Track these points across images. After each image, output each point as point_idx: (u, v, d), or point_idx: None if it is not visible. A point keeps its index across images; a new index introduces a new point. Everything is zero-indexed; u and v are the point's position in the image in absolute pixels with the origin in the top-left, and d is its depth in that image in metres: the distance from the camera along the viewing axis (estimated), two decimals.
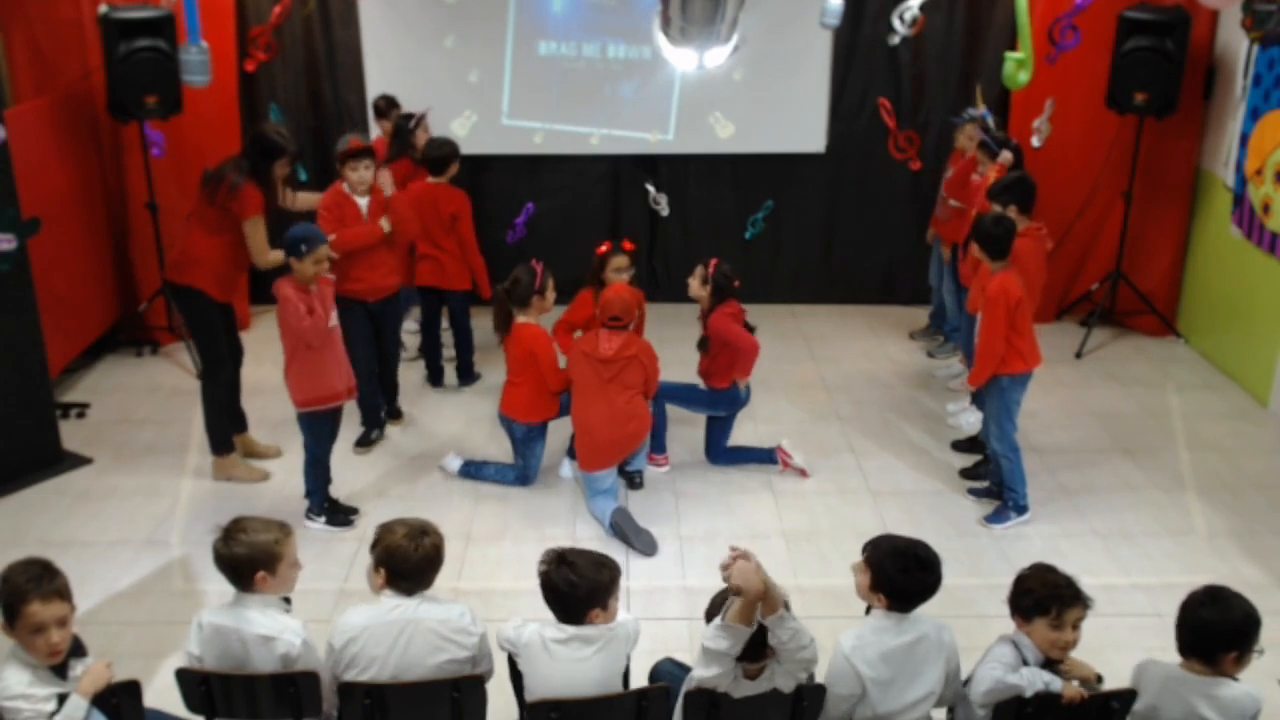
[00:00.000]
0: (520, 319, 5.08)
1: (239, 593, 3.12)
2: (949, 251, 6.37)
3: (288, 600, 3.22)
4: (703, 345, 5.22)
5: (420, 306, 6.30)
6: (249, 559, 3.07)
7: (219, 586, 3.16)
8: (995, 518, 4.96)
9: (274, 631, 3.05)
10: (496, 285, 5.17)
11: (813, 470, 5.35)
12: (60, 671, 2.91)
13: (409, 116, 6.26)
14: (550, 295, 5.10)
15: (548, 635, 3.09)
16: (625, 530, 4.79)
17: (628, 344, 4.89)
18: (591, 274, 5.34)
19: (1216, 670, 2.95)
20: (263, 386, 5.82)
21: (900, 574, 3.06)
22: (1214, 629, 2.94)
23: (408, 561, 3.09)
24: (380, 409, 5.69)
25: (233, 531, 3.11)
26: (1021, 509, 4.95)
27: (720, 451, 5.44)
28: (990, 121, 5.92)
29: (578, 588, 3.04)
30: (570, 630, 3.08)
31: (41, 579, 2.86)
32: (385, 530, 3.15)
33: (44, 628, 2.83)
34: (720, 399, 5.29)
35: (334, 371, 4.68)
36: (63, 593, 2.88)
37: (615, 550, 4.73)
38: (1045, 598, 3.05)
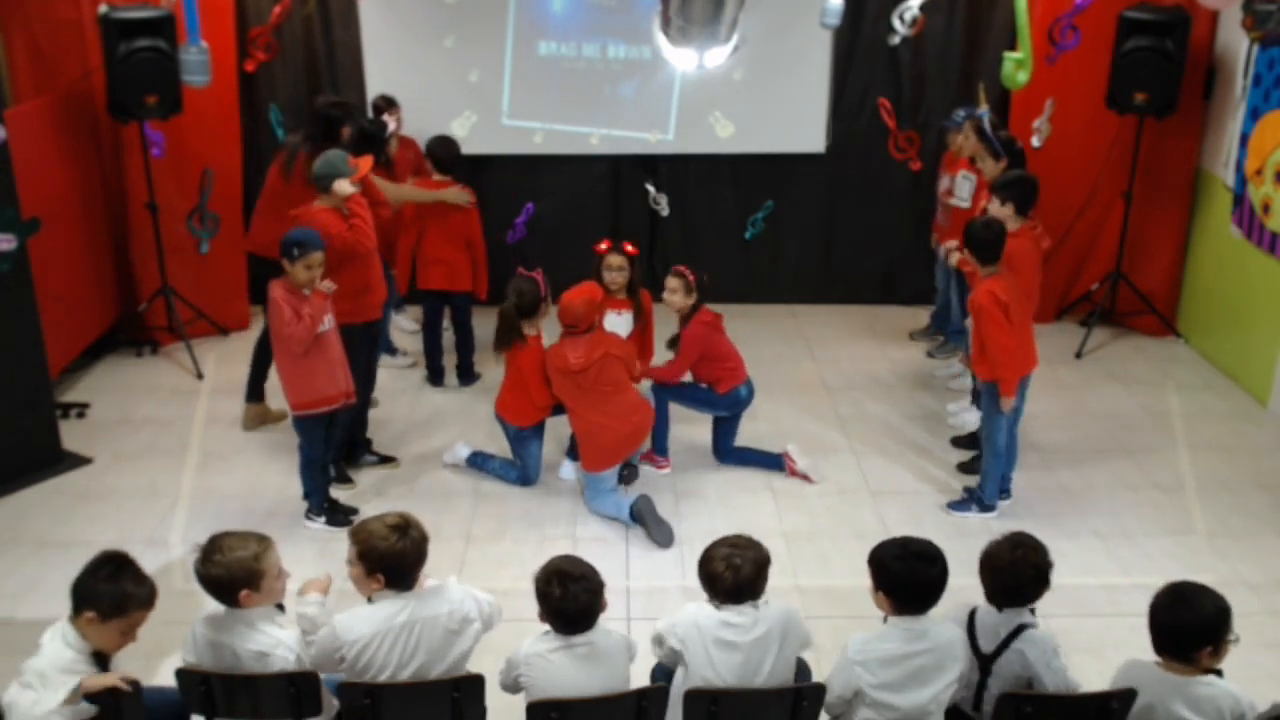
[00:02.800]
0: (528, 330, 5.07)
1: (229, 609, 3.11)
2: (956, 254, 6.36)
3: (281, 607, 3.21)
4: (674, 344, 5.24)
5: (422, 307, 6.28)
6: (229, 580, 3.04)
7: None
8: (957, 505, 5.01)
9: (267, 647, 3.05)
10: (501, 304, 5.10)
11: (818, 477, 5.33)
12: (103, 661, 3.00)
13: (380, 122, 6.14)
14: (550, 300, 5.13)
15: (544, 647, 3.11)
16: (646, 518, 4.81)
17: (593, 345, 4.88)
18: (593, 271, 5.35)
19: (1195, 666, 2.96)
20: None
21: (897, 561, 3.07)
22: (1183, 628, 2.96)
23: (405, 562, 3.09)
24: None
25: (210, 552, 3.07)
26: (986, 506, 4.97)
27: (728, 450, 5.44)
28: (987, 121, 5.89)
29: (576, 600, 3.06)
30: (568, 639, 3.10)
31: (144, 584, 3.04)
32: (368, 535, 3.10)
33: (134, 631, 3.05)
34: (720, 401, 5.31)
35: (326, 376, 4.65)
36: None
37: (617, 547, 4.77)
38: (1045, 568, 3.18)
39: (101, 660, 3.01)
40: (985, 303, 4.63)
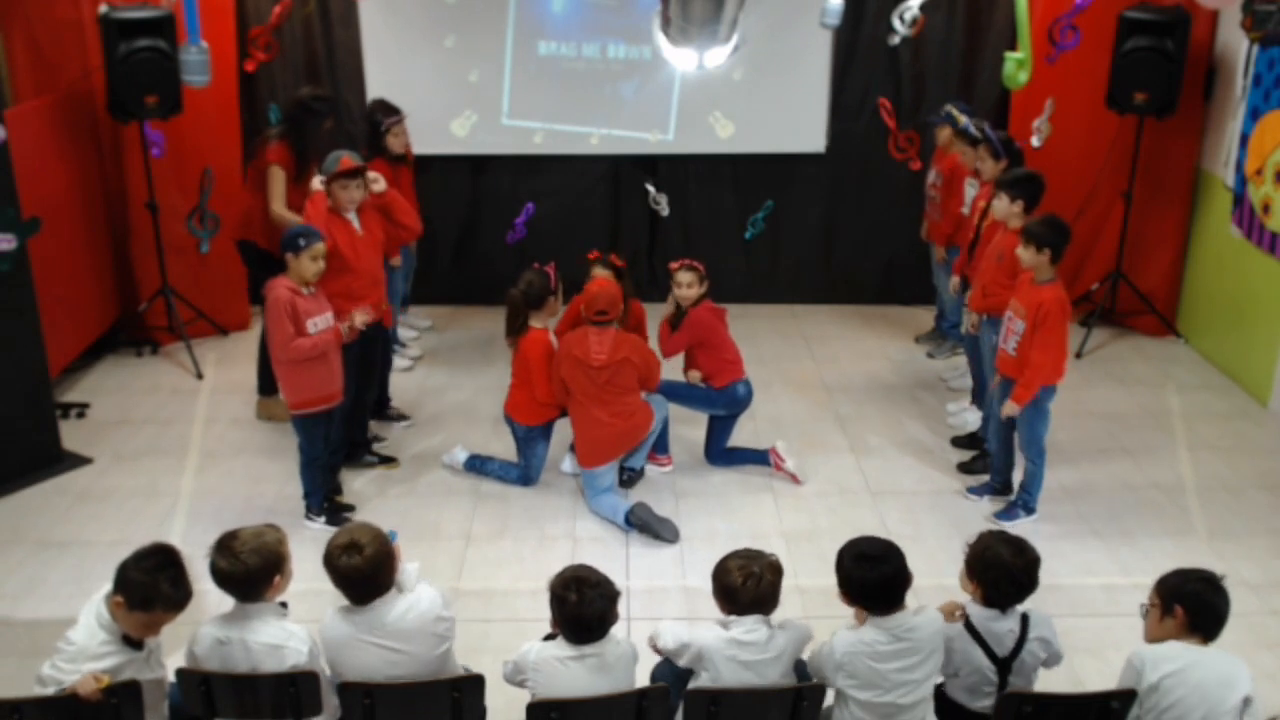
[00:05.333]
0: (534, 323, 5.08)
1: (241, 604, 3.10)
2: (943, 250, 6.37)
3: (284, 605, 3.22)
4: (675, 323, 5.22)
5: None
6: (263, 568, 3.05)
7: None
8: (1005, 514, 4.97)
9: (280, 640, 3.06)
10: (509, 290, 5.12)
11: (812, 472, 5.34)
12: (136, 644, 3.04)
13: (384, 114, 6.12)
14: (560, 296, 5.13)
15: (555, 654, 3.09)
16: (648, 522, 4.83)
17: (618, 346, 4.88)
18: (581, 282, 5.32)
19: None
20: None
21: (855, 567, 3.09)
22: (1224, 614, 3.05)
23: (350, 580, 3.09)
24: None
25: (232, 546, 3.05)
26: (1031, 510, 4.97)
27: (719, 452, 5.44)
28: (962, 125, 5.91)
29: (593, 607, 3.04)
30: (580, 649, 3.08)
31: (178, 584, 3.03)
32: (326, 555, 3.11)
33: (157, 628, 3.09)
34: (718, 398, 5.31)
35: (324, 374, 4.64)
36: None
37: (617, 547, 4.77)
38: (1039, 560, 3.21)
39: (133, 644, 3.04)
40: (1056, 308, 4.62)
